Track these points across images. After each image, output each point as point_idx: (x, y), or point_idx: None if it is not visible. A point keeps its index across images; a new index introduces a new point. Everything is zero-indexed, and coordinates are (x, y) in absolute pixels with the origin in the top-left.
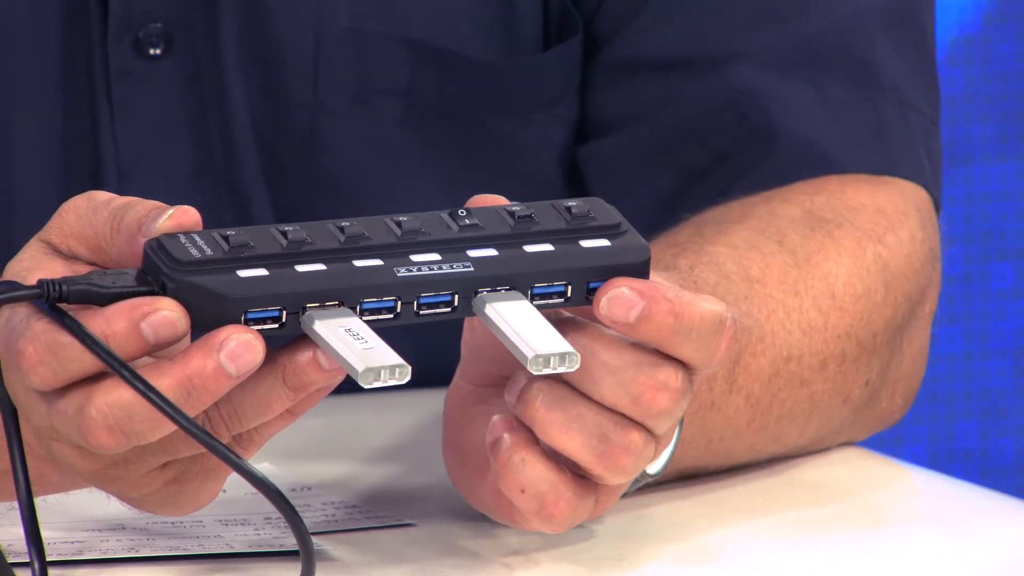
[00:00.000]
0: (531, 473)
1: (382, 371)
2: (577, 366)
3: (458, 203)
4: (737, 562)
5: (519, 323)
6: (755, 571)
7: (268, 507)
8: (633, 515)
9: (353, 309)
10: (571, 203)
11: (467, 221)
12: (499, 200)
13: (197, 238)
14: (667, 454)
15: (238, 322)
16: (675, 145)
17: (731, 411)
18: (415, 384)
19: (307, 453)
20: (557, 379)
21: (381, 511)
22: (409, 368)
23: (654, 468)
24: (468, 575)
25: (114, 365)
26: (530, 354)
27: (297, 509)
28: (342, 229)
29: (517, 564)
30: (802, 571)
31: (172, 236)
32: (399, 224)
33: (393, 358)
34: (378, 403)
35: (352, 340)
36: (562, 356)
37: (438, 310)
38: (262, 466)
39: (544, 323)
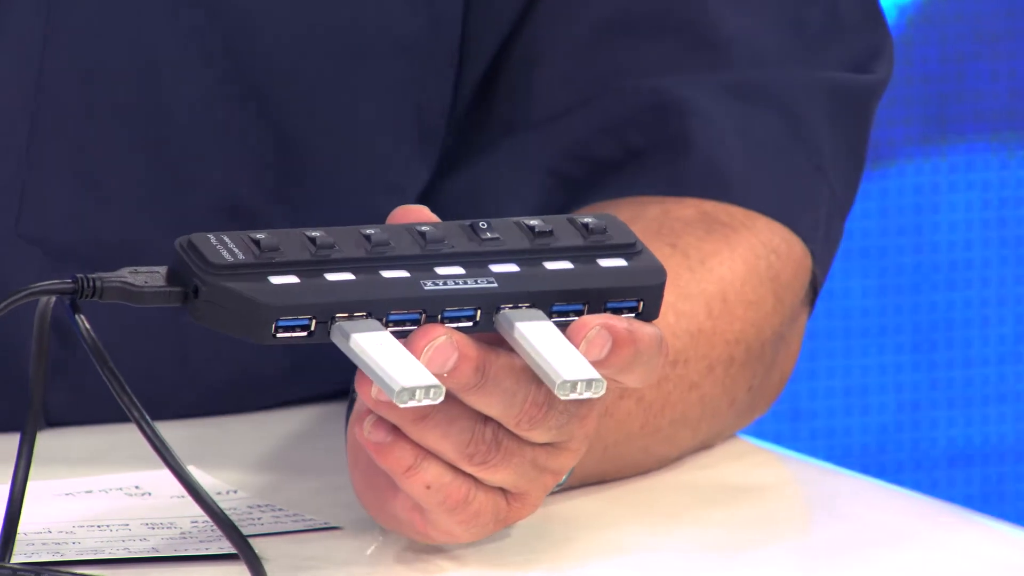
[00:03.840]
0: (434, 468)
1: (417, 391)
2: (603, 392)
3: None
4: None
5: (546, 346)
6: (659, 567)
7: (195, 511)
8: (542, 515)
9: (380, 319)
10: (587, 219)
11: (488, 235)
12: (424, 212)
13: (227, 239)
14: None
15: (268, 328)
16: (592, 140)
17: (623, 415)
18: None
19: (233, 457)
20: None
21: (307, 515)
22: (444, 389)
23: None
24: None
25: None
26: (558, 379)
27: (221, 512)
28: (368, 237)
29: (434, 564)
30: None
31: (203, 236)
32: (423, 235)
33: (429, 378)
34: (301, 410)
35: (387, 357)
36: (588, 382)
37: (460, 324)
38: (188, 469)
39: (570, 347)
